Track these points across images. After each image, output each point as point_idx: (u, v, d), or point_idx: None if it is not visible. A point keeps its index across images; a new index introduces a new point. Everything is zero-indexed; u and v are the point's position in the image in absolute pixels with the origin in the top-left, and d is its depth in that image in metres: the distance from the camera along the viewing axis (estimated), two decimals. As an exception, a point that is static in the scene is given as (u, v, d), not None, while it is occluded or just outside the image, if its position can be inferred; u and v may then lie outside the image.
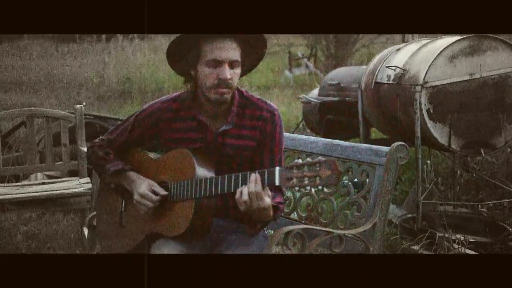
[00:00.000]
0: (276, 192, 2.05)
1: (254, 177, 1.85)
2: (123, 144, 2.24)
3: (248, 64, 2.13)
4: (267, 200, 1.86)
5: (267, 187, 1.86)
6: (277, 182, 1.79)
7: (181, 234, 2.00)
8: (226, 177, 1.93)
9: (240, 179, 1.89)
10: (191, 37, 2.03)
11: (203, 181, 1.97)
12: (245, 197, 1.84)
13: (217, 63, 2.01)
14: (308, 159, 1.75)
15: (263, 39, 2.10)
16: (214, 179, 1.96)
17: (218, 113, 2.12)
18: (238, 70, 2.06)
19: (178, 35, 2.04)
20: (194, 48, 2.04)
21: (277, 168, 1.79)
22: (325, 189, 1.74)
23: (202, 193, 1.97)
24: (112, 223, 2.29)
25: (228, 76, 2.01)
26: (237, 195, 1.87)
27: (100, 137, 2.31)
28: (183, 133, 2.13)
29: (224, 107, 2.11)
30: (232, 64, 2.03)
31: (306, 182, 1.72)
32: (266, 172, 1.83)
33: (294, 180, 1.74)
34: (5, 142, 5.17)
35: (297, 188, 1.75)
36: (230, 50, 2.01)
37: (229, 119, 2.10)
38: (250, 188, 1.84)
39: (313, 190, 1.75)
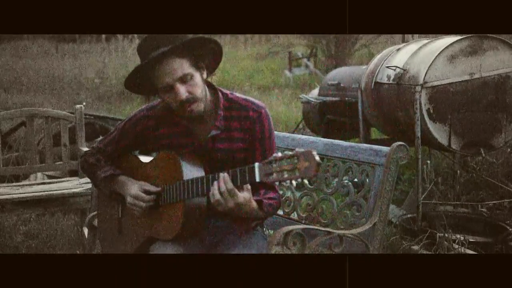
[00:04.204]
0: (267, 189, 2.05)
1: (222, 176, 1.85)
2: (113, 152, 2.26)
3: (210, 63, 2.09)
4: (242, 195, 1.85)
5: (247, 184, 1.85)
6: (257, 178, 1.77)
7: (175, 236, 2.00)
8: (203, 178, 1.93)
9: (210, 180, 1.90)
10: (138, 73, 2.00)
11: (189, 182, 1.96)
12: (217, 196, 1.84)
13: (168, 88, 1.98)
14: (286, 152, 1.74)
15: (202, 37, 2.03)
16: (190, 181, 1.96)
17: (204, 118, 2.09)
18: (195, 80, 2.00)
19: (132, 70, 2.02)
20: (146, 80, 2.02)
21: (257, 164, 1.78)
22: (305, 181, 1.73)
23: (186, 194, 1.97)
24: (111, 229, 2.30)
25: (184, 95, 1.97)
26: (210, 198, 1.87)
27: (92, 146, 2.33)
28: (172, 139, 2.12)
29: (209, 112, 2.09)
30: (183, 80, 1.97)
31: (286, 175, 1.70)
32: (246, 169, 1.81)
33: (274, 174, 1.73)
34: (5, 142, 5.18)
35: (277, 183, 1.74)
36: (174, 69, 1.96)
37: (218, 124, 2.08)
38: (221, 188, 1.84)
39: (294, 182, 1.73)
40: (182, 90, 1.97)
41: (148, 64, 1.98)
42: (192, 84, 1.99)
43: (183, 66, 1.97)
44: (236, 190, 1.84)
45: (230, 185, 1.83)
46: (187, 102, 1.99)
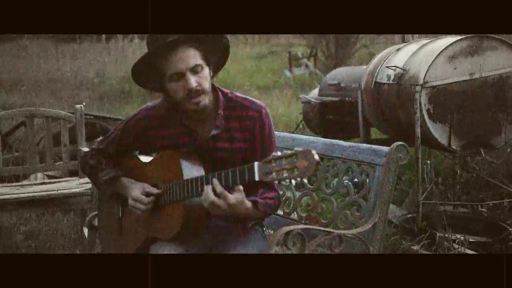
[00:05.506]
0: (266, 188, 2.05)
1: (213, 180, 1.86)
2: (113, 153, 2.25)
3: (217, 61, 2.10)
4: (233, 196, 1.85)
5: (239, 186, 1.86)
6: (256, 178, 1.77)
7: (175, 236, 2.00)
8: (202, 178, 1.93)
9: (210, 179, 1.90)
10: (149, 58, 2.00)
11: (189, 182, 1.96)
12: (210, 199, 1.85)
13: (179, 76, 1.98)
14: (286, 151, 1.74)
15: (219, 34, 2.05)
16: (190, 181, 1.96)
17: (204, 117, 2.09)
18: (204, 73, 2.01)
19: (140, 58, 2.02)
20: (155, 68, 2.02)
21: (256, 163, 1.78)
22: (305, 181, 1.73)
23: (187, 194, 1.97)
24: (111, 228, 2.30)
25: (194, 84, 1.97)
26: (203, 203, 1.88)
27: (92, 147, 2.32)
28: (173, 139, 2.12)
29: (209, 111, 2.08)
30: (194, 70, 1.98)
31: (285, 175, 1.70)
32: (245, 168, 1.81)
33: (274, 174, 1.73)
34: (5, 142, 5.18)
35: (276, 182, 1.74)
36: (187, 57, 1.97)
37: (218, 123, 2.08)
38: (211, 193, 1.85)
39: (293, 181, 1.73)
40: (193, 79, 1.98)
41: (162, 49, 1.97)
42: (201, 76, 2.00)
43: (196, 57, 1.99)
44: (226, 192, 1.84)
45: (220, 188, 1.84)
46: (195, 92, 1.99)
